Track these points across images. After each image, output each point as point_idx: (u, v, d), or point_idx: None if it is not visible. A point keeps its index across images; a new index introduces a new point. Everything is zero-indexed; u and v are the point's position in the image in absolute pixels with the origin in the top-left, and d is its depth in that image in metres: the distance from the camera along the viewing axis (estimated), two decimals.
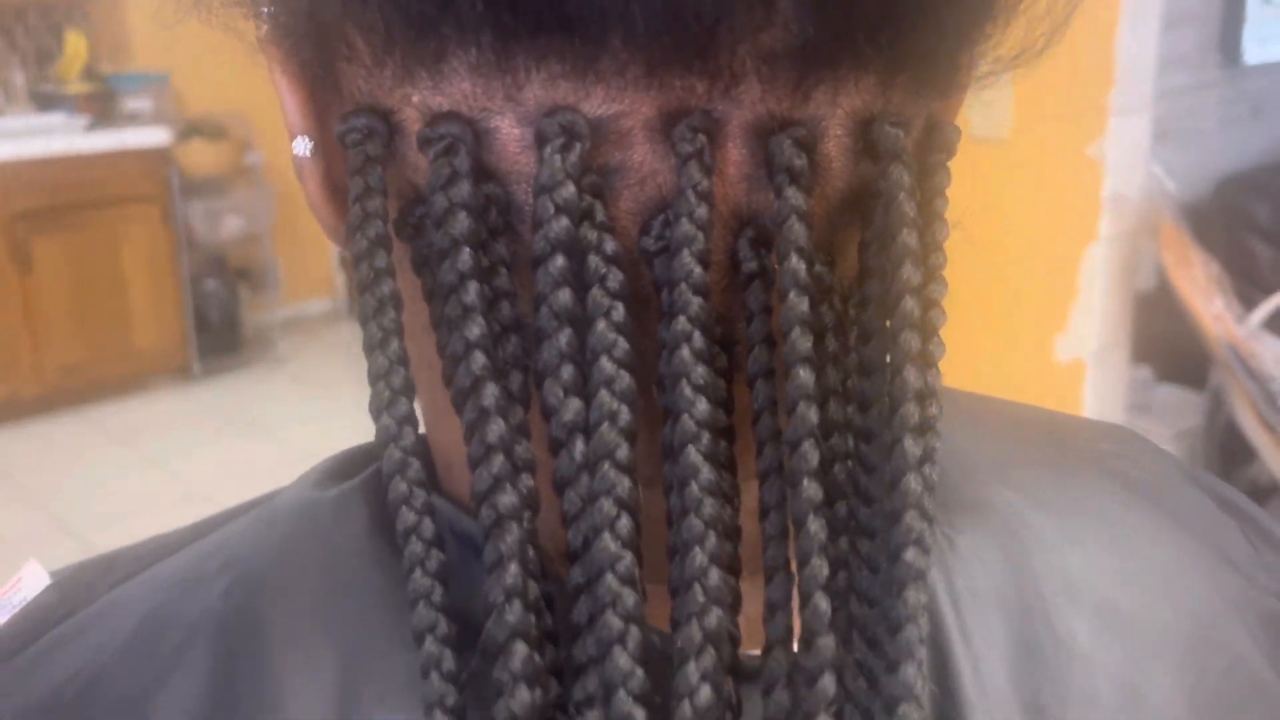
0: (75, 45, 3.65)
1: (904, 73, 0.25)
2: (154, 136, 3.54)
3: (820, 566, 0.24)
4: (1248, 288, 1.99)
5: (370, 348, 0.26)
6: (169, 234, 3.59)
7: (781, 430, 0.25)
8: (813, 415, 0.24)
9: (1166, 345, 1.95)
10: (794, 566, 0.25)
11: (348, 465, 0.35)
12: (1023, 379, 1.74)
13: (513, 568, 0.24)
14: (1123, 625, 0.31)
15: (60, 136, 3.40)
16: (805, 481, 0.24)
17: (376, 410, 0.26)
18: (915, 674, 0.24)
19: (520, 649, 0.23)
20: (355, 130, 0.26)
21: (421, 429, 0.30)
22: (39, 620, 0.33)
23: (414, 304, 0.27)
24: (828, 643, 0.23)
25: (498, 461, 0.24)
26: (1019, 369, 1.74)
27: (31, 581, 0.40)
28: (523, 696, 0.23)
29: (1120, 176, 1.64)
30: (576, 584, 0.24)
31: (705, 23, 0.22)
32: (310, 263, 4.36)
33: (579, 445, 0.24)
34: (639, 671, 0.23)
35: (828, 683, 0.23)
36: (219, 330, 3.79)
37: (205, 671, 0.29)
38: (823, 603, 0.24)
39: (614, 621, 0.23)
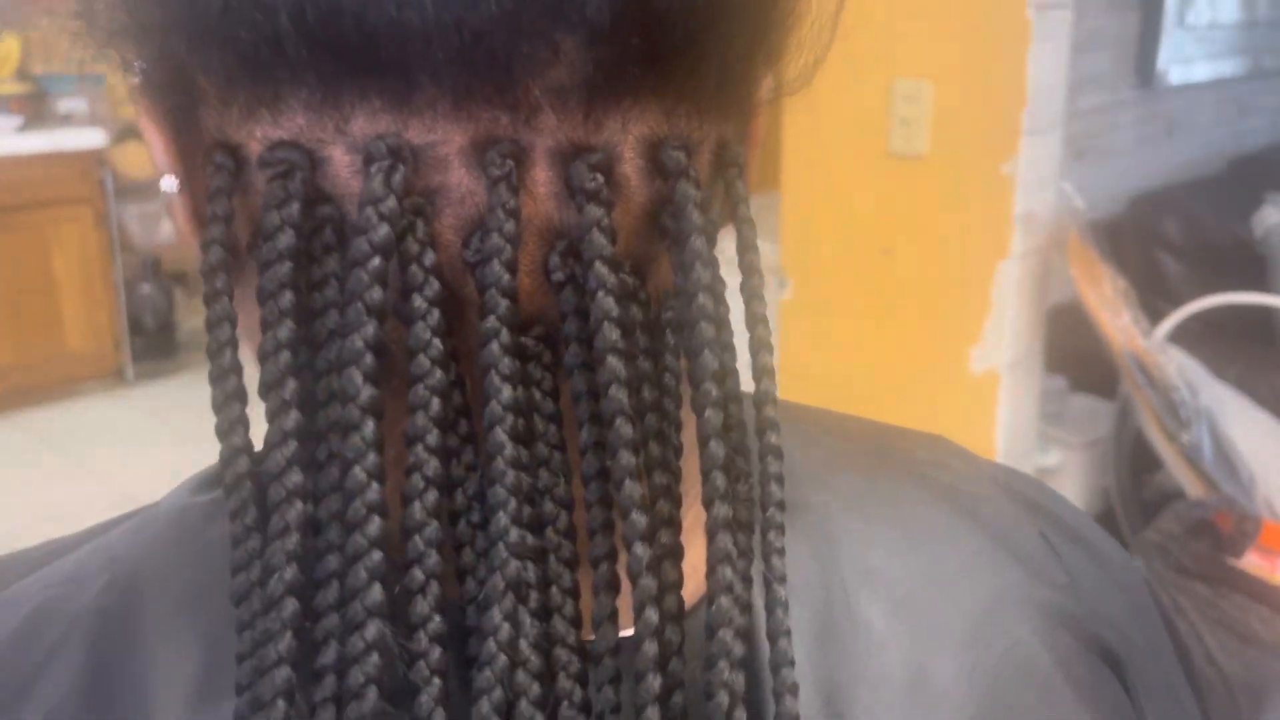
0: (7, 46, 3.60)
1: (684, 102, 0.29)
2: (88, 138, 3.49)
3: (639, 520, 0.27)
4: (1158, 301, 2.06)
5: (210, 355, 0.29)
6: (102, 237, 3.54)
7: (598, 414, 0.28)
8: (623, 395, 0.27)
9: (1080, 356, 2.02)
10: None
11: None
12: (938, 389, 1.79)
13: (294, 536, 0.26)
14: (914, 613, 0.35)
15: None
16: (622, 452, 0.27)
17: (214, 409, 0.29)
18: (730, 605, 0.27)
19: (289, 572, 0.26)
20: (209, 165, 0.29)
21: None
22: None
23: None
24: (649, 584, 0.27)
25: (291, 448, 0.27)
26: (935, 379, 1.79)
27: None
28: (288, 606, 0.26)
29: (1032, 194, 1.69)
30: (328, 541, 0.27)
31: (498, 62, 0.26)
32: None
33: (369, 426, 0.26)
34: (377, 588, 0.26)
35: (650, 614, 0.27)
36: (154, 334, 3.75)
37: (81, 661, 0.32)
38: (640, 549, 0.27)
39: (358, 541, 0.26)
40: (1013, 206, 1.67)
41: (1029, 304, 1.75)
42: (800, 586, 0.34)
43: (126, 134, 3.58)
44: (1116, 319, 1.72)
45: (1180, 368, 1.77)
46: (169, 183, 0.31)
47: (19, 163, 3.37)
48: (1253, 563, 1.49)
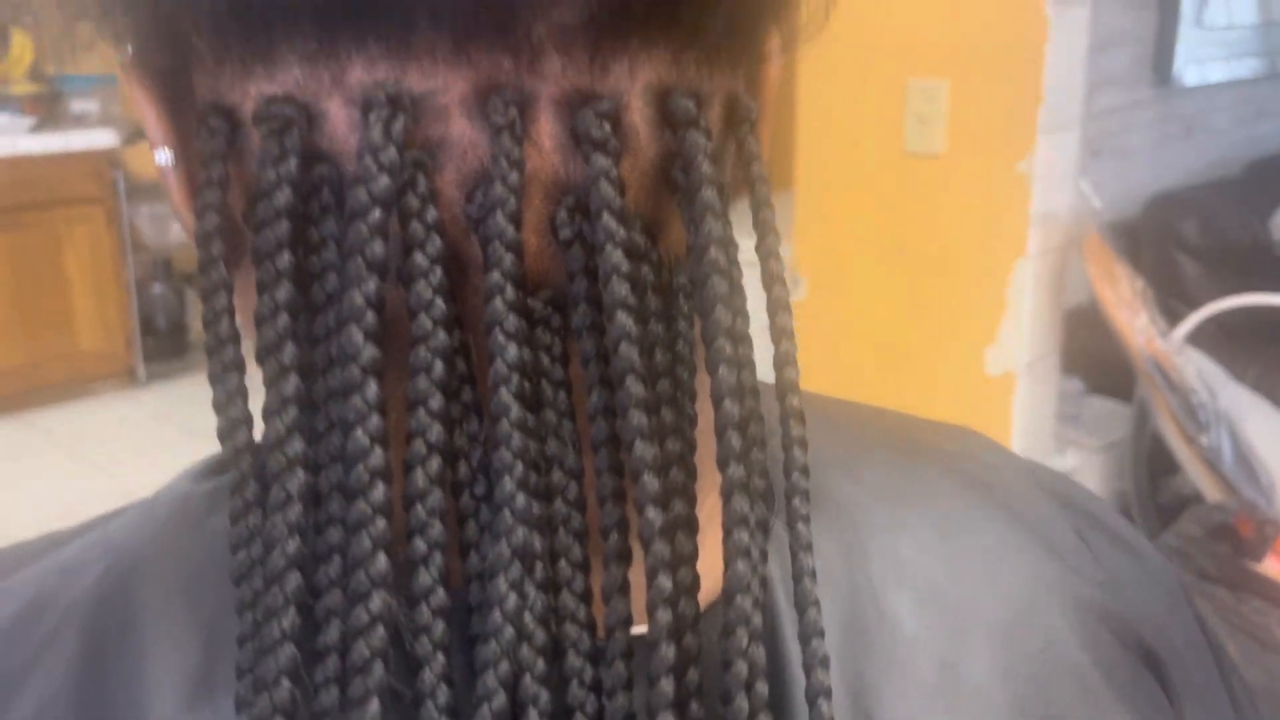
0: (21, 45, 3.60)
1: (692, 48, 0.27)
2: (100, 138, 3.50)
3: (651, 482, 0.26)
4: (1175, 302, 2.04)
5: (206, 325, 0.28)
6: (114, 237, 3.55)
7: (607, 377, 0.27)
8: (633, 353, 0.26)
9: (1098, 358, 2.00)
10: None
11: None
12: (954, 390, 1.77)
13: (296, 506, 0.25)
14: (945, 606, 0.33)
15: (4, 137, 3.35)
16: (633, 412, 0.26)
17: (211, 380, 0.28)
18: (748, 569, 0.26)
19: (291, 544, 0.25)
20: (202, 129, 0.27)
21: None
22: None
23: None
24: (661, 549, 0.26)
25: (290, 414, 0.26)
26: (950, 381, 1.77)
27: None
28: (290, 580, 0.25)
29: (1049, 193, 1.68)
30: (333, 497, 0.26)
31: (500, 1, 0.25)
32: None
33: (371, 388, 0.25)
34: (382, 557, 0.24)
35: (664, 581, 0.26)
36: (165, 335, 3.75)
37: (75, 652, 0.31)
38: (652, 512, 0.26)
39: (361, 508, 0.25)
40: (1029, 205, 1.66)
41: (1046, 304, 1.74)
42: (825, 578, 0.33)
43: (139, 134, 3.59)
44: (1134, 319, 1.71)
45: (1199, 370, 1.75)
46: (163, 156, 0.30)
47: (32, 162, 3.38)
48: (1273, 567, 1.47)
